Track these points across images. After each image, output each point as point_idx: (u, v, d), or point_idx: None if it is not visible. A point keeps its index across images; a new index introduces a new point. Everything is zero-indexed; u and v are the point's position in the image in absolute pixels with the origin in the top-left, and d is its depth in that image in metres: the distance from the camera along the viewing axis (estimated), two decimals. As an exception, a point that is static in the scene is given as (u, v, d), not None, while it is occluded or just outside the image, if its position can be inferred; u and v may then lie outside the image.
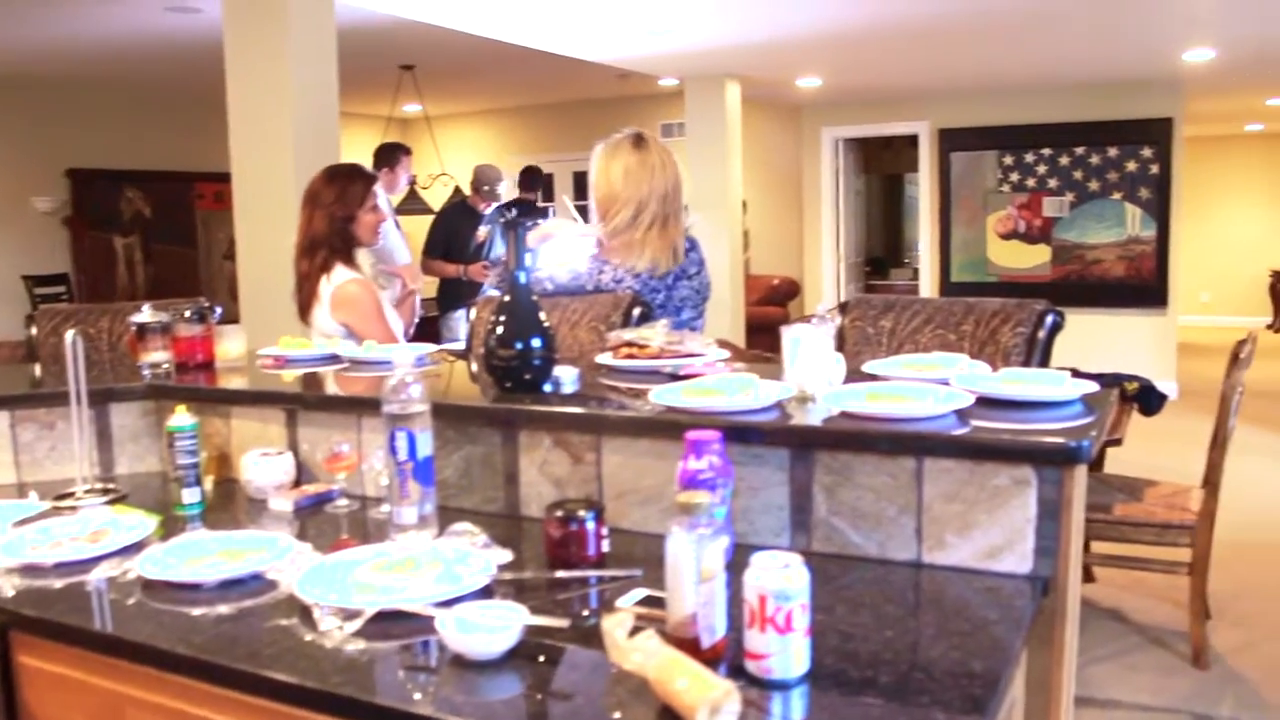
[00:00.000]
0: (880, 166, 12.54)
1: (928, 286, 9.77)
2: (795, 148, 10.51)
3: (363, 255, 3.52)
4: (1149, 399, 4.19)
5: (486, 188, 6.70)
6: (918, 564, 1.71)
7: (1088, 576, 4.70)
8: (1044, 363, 2.38)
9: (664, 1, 5.60)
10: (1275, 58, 7.76)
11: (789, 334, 1.93)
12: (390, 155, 6.19)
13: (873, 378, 2.07)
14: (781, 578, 1.28)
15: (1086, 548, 4.30)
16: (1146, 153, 9.00)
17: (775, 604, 1.28)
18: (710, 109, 8.04)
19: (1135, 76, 8.57)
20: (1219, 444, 3.81)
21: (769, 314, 9.21)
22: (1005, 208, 9.46)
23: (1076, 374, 4.10)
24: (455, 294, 6.43)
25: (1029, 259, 9.41)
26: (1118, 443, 3.83)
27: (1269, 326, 13.90)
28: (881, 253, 13.27)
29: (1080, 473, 1.63)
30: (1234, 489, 5.96)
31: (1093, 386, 1.90)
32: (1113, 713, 3.60)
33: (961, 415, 1.77)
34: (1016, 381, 1.90)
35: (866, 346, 2.55)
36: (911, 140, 9.96)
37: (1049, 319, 2.38)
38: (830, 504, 1.76)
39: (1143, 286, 9.09)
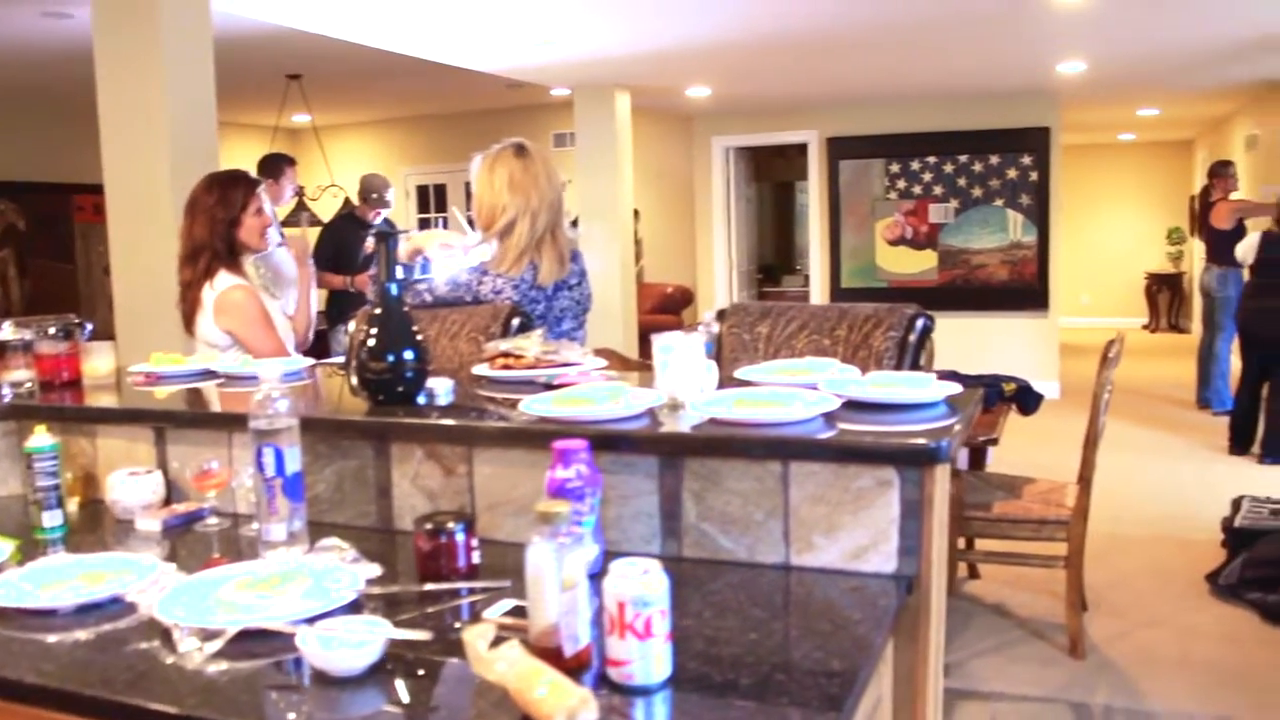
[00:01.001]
0: (772, 174, 12.71)
1: (819, 293, 9.92)
2: (687, 157, 10.60)
3: (250, 266, 3.46)
4: (1026, 399, 4.31)
5: (375, 195, 6.62)
6: (786, 566, 1.73)
7: (972, 573, 4.82)
8: (915, 365, 2.43)
9: (551, 12, 5.61)
10: (1142, 71, 8.08)
11: (659, 342, 1.95)
12: (274, 166, 6.08)
13: (747, 384, 2.10)
14: (640, 584, 1.29)
15: (970, 545, 4.41)
16: (1026, 160, 9.27)
17: (634, 610, 1.28)
18: (600, 118, 8.06)
19: (1014, 87, 8.83)
20: (1091, 441, 3.94)
21: (663, 322, 9.25)
22: (893, 214, 9.66)
23: (956, 376, 4.20)
24: (344, 306, 6.34)
25: (916, 264, 9.62)
26: (994, 442, 3.93)
27: (1145, 327, 14.41)
28: (774, 260, 13.44)
29: (941, 472, 1.67)
30: (1112, 483, 6.18)
31: (956, 388, 1.95)
32: (995, 704, 3.68)
33: (828, 419, 1.80)
34: (882, 385, 1.94)
35: (744, 353, 2.58)
36: (801, 149, 10.11)
37: (919, 323, 2.44)
38: (699, 509, 1.77)
39: (1025, 290, 9.36)
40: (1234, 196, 8.29)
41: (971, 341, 9.20)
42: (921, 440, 1.64)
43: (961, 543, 4.31)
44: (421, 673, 1.40)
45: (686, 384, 1.93)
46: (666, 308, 9.86)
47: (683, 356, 1.93)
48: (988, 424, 3.87)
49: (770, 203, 13.52)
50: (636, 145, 8.77)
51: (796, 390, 1.90)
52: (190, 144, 4.19)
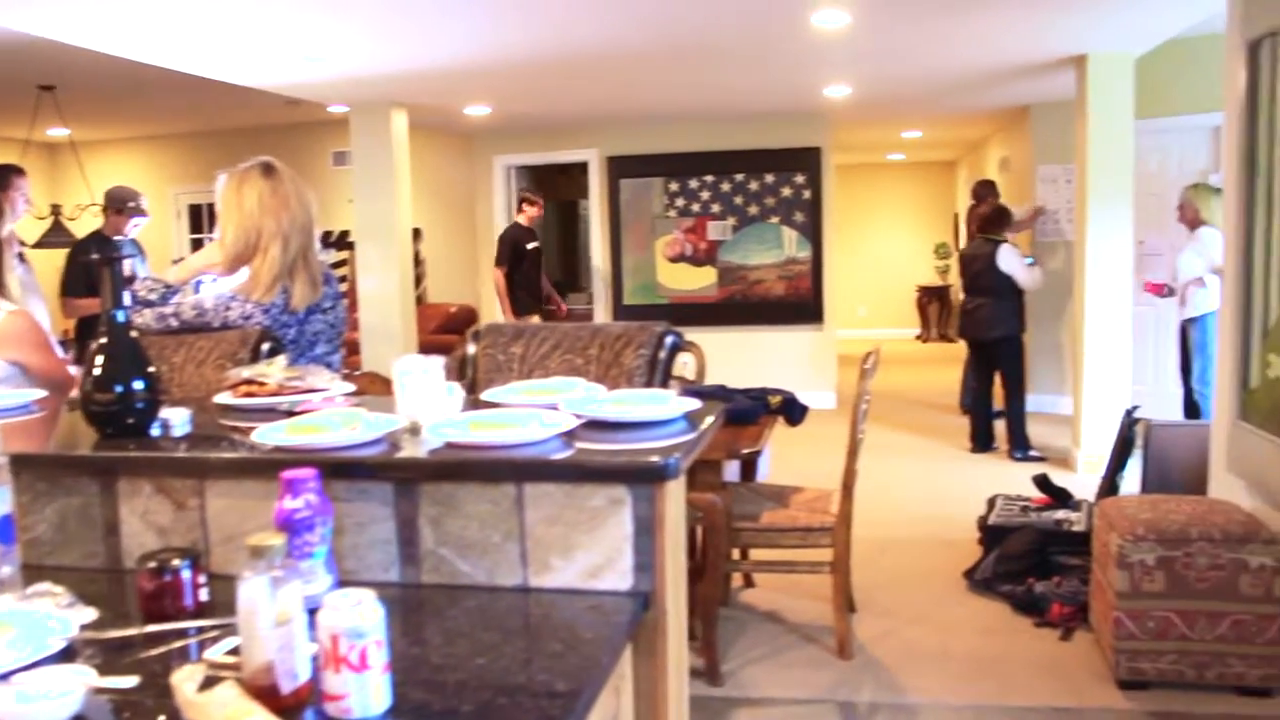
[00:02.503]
0: (555, 193, 12.77)
1: (602, 310, 10.03)
2: (469, 175, 10.55)
3: (11, 282, 3.19)
4: (792, 410, 4.45)
5: (131, 204, 6.23)
6: (525, 588, 1.73)
7: (748, 582, 4.94)
8: (665, 382, 2.48)
9: (317, 27, 5.48)
10: (903, 96, 8.51)
11: (397, 366, 1.92)
12: (1, 177, 5.58)
13: (493, 405, 2.09)
14: (354, 615, 1.26)
15: (745, 555, 4.52)
16: (799, 179, 9.62)
17: (348, 642, 1.26)
18: (377, 136, 7.93)
19: (786, 108, 9.15)
20: (852, 450, 4.10)
21: (448, 342, 9.14)
22: (673, 232, 9.86)
23: (724, 390, 4.30)
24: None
25: (696, 281, 9.84)
26: (758, 453, 4.05)
27: (918, 337, 15.16)
28: (561, 277, 13.51)
29: (672, 489, 1.70)
30: (882, 488, 6.47)
31: (696, 404, 1.99)
32: (767, 710, 3.78)
33: (567, 439, 1.82)
34: (622, 403, 1.97)
35: (498, 374, 2.58)
36: (583, 167, 10.20)
37: (668, 340, 2.49)
38: (437, 535, 1.76)
39: (801, 304, 9.69)
40: None
41: (750, 355, 9.47)
42: (651, 458, 1.67)
43: (736, 553, 4.42)
44: (129, 721, 1.34)
45: (426, 407, 1.91)
46: (450, 328, 9.76)
47: (421, 379, 1.91)
48: (753, 436, 3.98)
49: (555, 221, 13.59)
50: (417, 164, 8.67)
51: (536, 411, 1.91)
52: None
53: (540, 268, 8.88)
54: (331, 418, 1.88)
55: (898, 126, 11.05)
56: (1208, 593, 3.62)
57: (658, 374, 2.44)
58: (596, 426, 1.90)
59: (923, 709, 3.73)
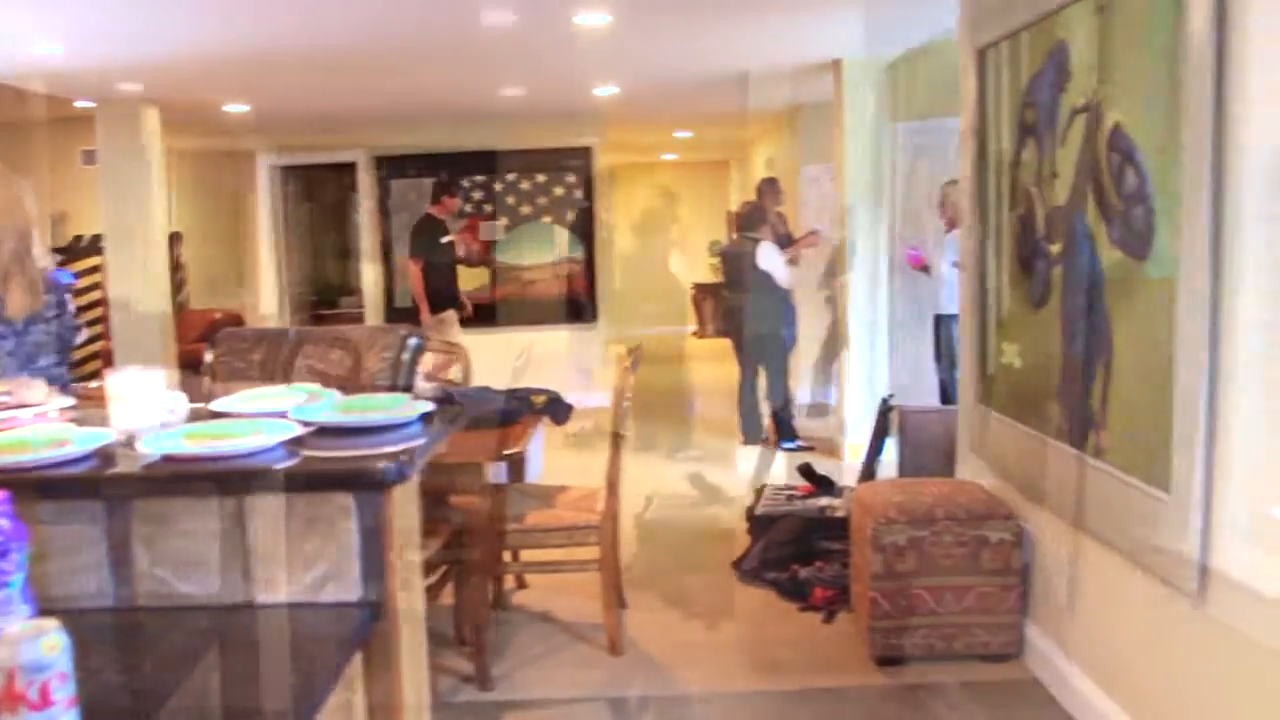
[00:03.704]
0: (325, 194, 12.42)
1: (374, 313, 9.82)
2: (233, 176, 10.14)
3: None
4: (557, 410, 4.46)
5: None
6: (250, 605, 1.66)
7: (520, 584, 4.92)
8: (409, 385, 2.43)
9: (41, 13, 5.11)
10: (669, 96, 8.65)
11: (112, 379, 1.81)
12: None
13: (223, 415, 2.00)
14: (32, 648, 1.18)
15: (516, 557, 4.49)
16: (571, 179, 9.67)
17: (28, 678, 1.17)
18: (126, 135, 7.50)
19: (556, 108, 9.15)
20: (616, 446, 4.13)
21: (212, 350, 8.77)
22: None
23: (488, 391, 4.27)
24: None
25: (471, 281, 9.71)
26: (521, 454, 4.03)
27: (694, 333, 15.47)
28: (335, 280, 13.14)
29: (400, 494, 1.66)
30: (655, 482, 6.55)
31: (429, 406, 1.95)
32: (539, 711, 3.77)
33: (293, 447, 1.75)
34: (351, 408, 1.91)
35: (238, 381, 2.47)
36: (352, 167, 9.96)
37: (411, 342, 2.44)
38: (152, 555, 1.66)
39: (575, 303, 9.75)
40: (780, 210, 9.07)
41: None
42: (377, 463, 1.63)
43: (507, 555, 4.38)
44: None
45: (145, 420, 1.81)
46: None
47: (137, 391, 1.81)
48: (515, 436, 3.96)
49: (327, 223, 13.22)
50: (179, 165, 8.27)
51: (262, 420, 1.83)
52: None
53: (455, 264, 8.57)
54: (36, 435, 1.75)
55: (669, 126, 11.23)
56: (954, 569, 3.82)
57: (401, 376, 2.39)
58: (329, 433, 1.84)
59: (693, 700, 3.79)
